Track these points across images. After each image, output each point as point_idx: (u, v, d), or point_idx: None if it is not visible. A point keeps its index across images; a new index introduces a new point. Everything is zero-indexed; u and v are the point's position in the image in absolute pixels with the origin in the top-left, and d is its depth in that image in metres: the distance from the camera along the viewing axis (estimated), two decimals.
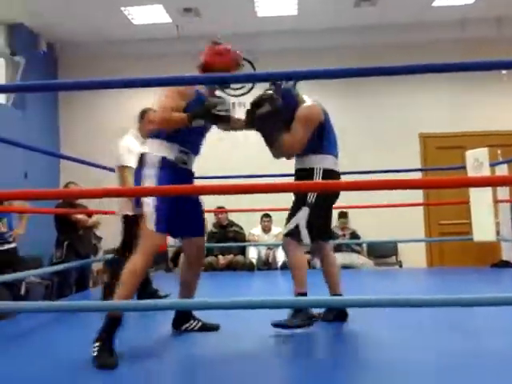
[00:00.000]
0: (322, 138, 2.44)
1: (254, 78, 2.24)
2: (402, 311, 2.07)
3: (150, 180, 2.14)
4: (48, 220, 4.99)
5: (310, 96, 2.55)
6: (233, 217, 6.15)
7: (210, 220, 6.23)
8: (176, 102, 2.19)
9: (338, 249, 5.92)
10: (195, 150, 2.33)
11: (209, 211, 5.70)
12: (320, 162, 2.43)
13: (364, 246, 6.21)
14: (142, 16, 6.05)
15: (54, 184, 6.42)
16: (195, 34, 6.45)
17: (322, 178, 2.40)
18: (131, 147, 3.23)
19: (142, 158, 2.22)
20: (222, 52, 2.36)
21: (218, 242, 5.83)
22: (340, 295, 2.47)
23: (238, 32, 6.45)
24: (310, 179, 2.39)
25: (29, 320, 2.73)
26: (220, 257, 5.83)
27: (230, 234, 5.98)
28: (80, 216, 4.85)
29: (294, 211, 2.42)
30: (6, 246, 4.24)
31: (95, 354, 1.92)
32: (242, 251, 6.02)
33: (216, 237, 5.94)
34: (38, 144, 4.25)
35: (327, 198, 2.45)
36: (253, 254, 5.79)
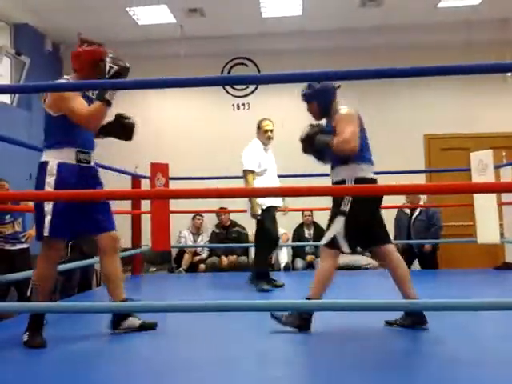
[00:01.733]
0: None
1: (259, 80, 2.23)
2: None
3: (48, 187, 2.20)
4: None
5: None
6: (235, 217, 6.14)
7: (212, 221, 6.24)
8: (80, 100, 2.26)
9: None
10: (92, 146, 2.40)
11: (211, 211, 5.72)
12: (351, 171, 2.43)
13: None
14: (147, 16, 6.06)
15: None
16: (200, 34, 6.48)
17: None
18: (254, 152, 3.81)
19: (41, 167, 2.27)
20: (79, 54, 2.39)
21: (220, 242, 5.83)
22: (413, 298, 2.33)
23: (242, 33, 6.47)
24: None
25: None
26: (223, 257, 5.85)
27: (232, 235, 5.98)
28: None
29: (330, 221, 2.43)
30: (19, 246, 4.26)
31: (26, 339, 2.19)
32: (246, 251, 6.03)
33: (219, 237, 5.95)
34: (41, 145, 4.26)
35: (366, 205, 2.38)
36: None
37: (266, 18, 6.14)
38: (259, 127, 3.93)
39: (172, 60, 6.47)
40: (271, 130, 3.91)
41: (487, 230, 4.10)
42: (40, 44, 6.48)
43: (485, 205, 4.05)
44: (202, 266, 5.94)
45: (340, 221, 2.36)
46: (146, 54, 6.65)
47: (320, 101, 2.57)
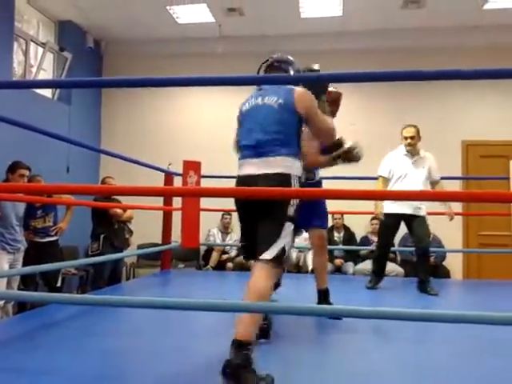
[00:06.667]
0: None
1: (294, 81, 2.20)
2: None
3: None
4: (83, 211, 5.10)
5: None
6: None
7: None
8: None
9: (369, 256, 5.80)
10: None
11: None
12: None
13: (398, 254, 6.03)
14: (187, 15, 6.12)
15: (93, 178, 6.58)
16: (238, 33, 6.49)
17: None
18: (388, 159, 3.99)
19: None
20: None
21: None
22: None
23: (281, 33, 6.44)
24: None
25: (63, 309, 2.79)
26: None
27: None
28: (117, 210, 4.95)
29: (275, 228, 1.93)
30: (47, 239, 4.37)
31: None
32: None
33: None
34: (80, 139, 4.35)
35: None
36: None
37: (305, 19, 6.10)
38: (401, 133, 3.95)
39: (210, 58, 6.50)
40: (410, 137, 3.87)
41: None
42: (82, 40, 6.63)
43: None
44: (230, 264, 5.95)
45: (289, 227, 2.00)
46: (185, 52, 6.71)
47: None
